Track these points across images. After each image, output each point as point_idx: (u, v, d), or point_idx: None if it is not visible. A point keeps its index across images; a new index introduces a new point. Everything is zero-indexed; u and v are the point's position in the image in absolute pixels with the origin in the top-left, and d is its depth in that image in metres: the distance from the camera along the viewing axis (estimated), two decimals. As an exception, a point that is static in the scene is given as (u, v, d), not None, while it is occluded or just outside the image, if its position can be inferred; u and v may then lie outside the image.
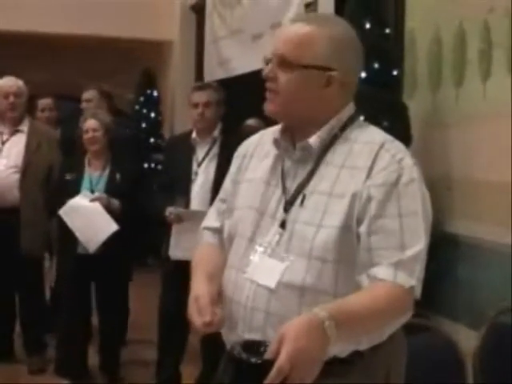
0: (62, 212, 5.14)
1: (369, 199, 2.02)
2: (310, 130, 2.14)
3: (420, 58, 4.57)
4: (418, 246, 2.01)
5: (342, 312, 1.88)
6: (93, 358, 5.55)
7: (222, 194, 2.42)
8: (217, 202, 2.45)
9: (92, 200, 5.16)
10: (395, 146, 2.12)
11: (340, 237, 2.03)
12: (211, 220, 2.44)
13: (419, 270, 2.02)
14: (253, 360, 1.75)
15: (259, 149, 2.32)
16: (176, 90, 9.47)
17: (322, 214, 2.06)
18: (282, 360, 1.72)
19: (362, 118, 2.25)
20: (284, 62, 2.09)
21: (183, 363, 5.10)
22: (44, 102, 7.06)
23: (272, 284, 2.08)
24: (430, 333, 3.68)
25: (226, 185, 2.40)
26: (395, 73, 4.37)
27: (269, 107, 2.17)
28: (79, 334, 5.44)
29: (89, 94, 6.54)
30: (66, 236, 5.21)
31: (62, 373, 5.48)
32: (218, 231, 2.39)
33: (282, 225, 2.13)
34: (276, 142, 2.22)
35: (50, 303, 6.43)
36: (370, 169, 2.05)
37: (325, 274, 2.05)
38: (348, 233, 2.04)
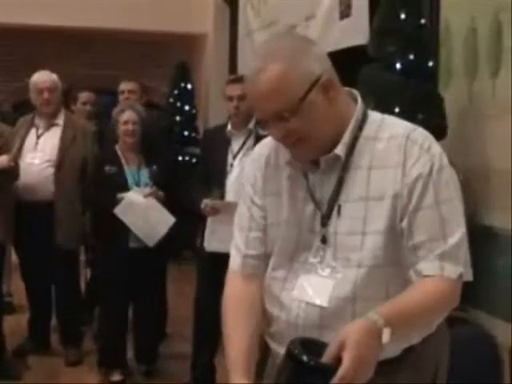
0: (117, 211, 5.13)
1: (409, 196, 1.98)
2: (328, 140, 2.05)
3: (455, 49, 4.52)
4: (459, 231, 1.99)
5: (397, 317, 1.85)
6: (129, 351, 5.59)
7: (256, 212, 2.22)
8: (245, 230, 2.24)
9: (146, 196, 5.20)
10: (420, 134, 2.06)
11: (387, 240, 2.00)
12: (242, 248, 2.24)
13: (464, 254, 2.00)
14: (311, 362, 1.72)
15: (274, 159, 2.21)
16: (210, 83, 9.48)
17: (363, 221, 2.02)
18: (345, 369, 1.70)
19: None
20: (283, 115, 1.98)
21: (218, 357, 5.10)
22: (85, 95, 7.09)
23: (324, 302, 2.05)
24: (467, 326, 3.65)
25: (257, 202, 2.22)
26: (431, 63, 4.32)
27: (306, 157, 2.07)
28: (124, 328, 5.48)
29: (132, 86, 6.53)
30: (116, 231, 5.19)
31: (105, 365, 5.52)
32: (257, 257, 2.23)
33: (323, 240, 2.08)
34: (291, 164, 2.13)
35: (85, 296, 6.47)
36: (404, 165, 2.00)
37: (376, 279, 2.02)
38: (393, 234, 2.01)
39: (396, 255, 2.02)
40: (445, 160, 2.04)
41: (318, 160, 2.08)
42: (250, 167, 2.29)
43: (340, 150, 2.04)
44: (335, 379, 1.69)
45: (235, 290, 2.22)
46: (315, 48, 2.06)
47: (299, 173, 2.13)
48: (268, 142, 2.25)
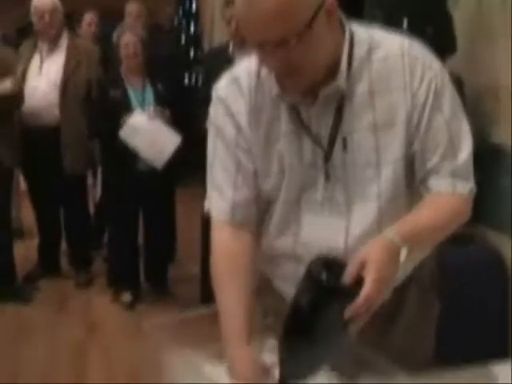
0: (122, 133, 5.10)
1: (419, 117, 1.88)
2: (324, 70, 1.84)
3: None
4: (468, 146, 1.93)
5: (413, 235, 1.79)
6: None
7: (242, 155, 2.02)
8: (231, 171, 2.05)
9: (150, 117, 5.16)
10: (418, 49, 1.92)
11: (405, 168, 1.91)
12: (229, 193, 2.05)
13: (472, 168, 1.96)
14: (331, 283, 1.66)
15: (249, 100, 1.98)
16: (215, 3, 9.33)
17: (375, 151, 1.88)
18: (370, 290, 1.64)
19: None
20: (289, 40, 1.70)
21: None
22: (89, 16, 7.04)
23: (349, 242, 1.95)
24: (475, 245, 3.66)
25: (243, 144, 2.02)
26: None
27: (302, 89, 1.84)
28: (134, 249, 5.57)
29: (139, 8, 6.47)
30: (124, 154, 5.16)
31: (115, 285, 5.62)
32: (249, 202, 2.04)
33: (327, 177, 1.92)
34: (280, 97, 1.90)
35: (94, 219, 6.51)
36: (411, 86, 1.87)
37: (398, 210, 1.92)
38: (409, 160, 1.92)
39: (412, 183, 1.95)
40: (446, 76, 1.94)
41: (312, 90, 1.86)
42: (223, 104, 2.09)
43: (341, 81, 1.85)
44: (359, 301, 1.64)
45: (226, 245, 2.05)
46: None
47: (292, 111, 1.93)
48: (244, 74, 2.01)
